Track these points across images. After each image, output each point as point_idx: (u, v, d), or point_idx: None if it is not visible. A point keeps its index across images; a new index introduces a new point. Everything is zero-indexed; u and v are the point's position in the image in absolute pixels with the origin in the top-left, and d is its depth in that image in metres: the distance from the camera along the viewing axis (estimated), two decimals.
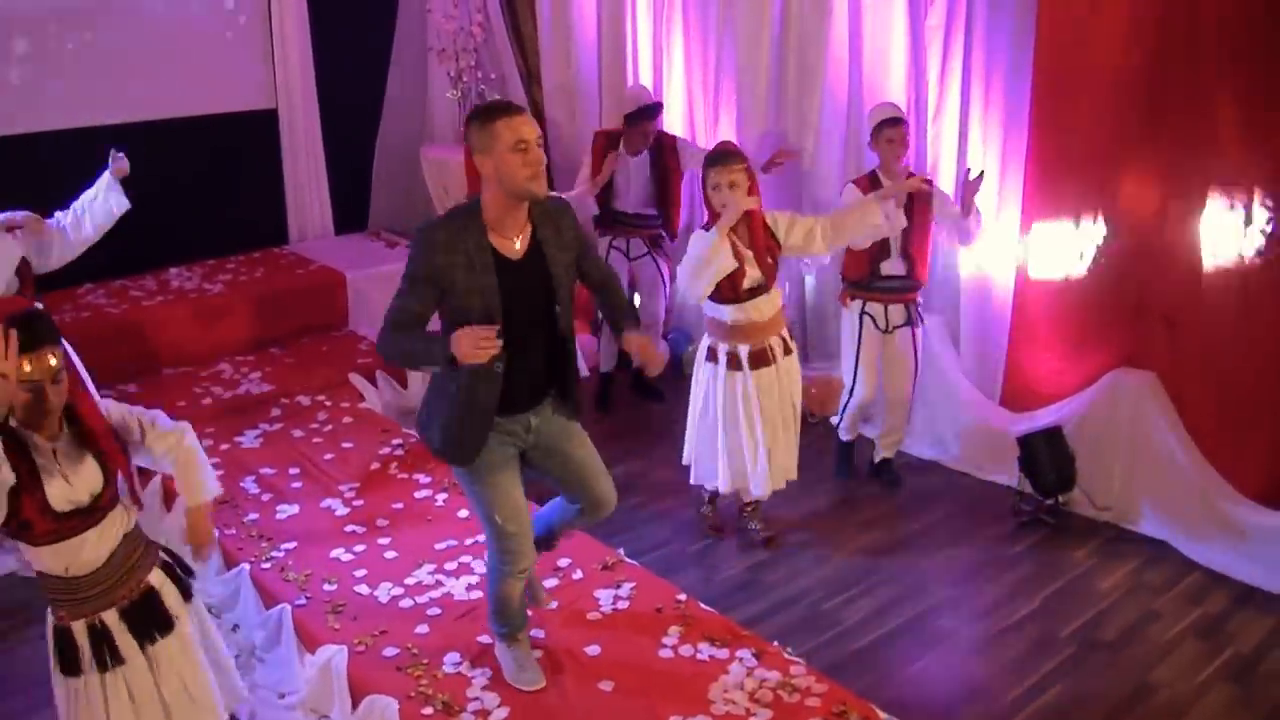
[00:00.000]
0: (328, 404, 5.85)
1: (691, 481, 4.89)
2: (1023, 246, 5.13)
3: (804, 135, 5.90)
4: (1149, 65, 4.52)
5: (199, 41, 6.73)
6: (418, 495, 4.90)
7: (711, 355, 4.64)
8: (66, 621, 2.92)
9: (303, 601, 4.14)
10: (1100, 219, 4.85)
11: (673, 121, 6.66)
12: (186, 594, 3.13)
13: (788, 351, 4.60)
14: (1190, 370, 4.71)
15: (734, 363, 4.57)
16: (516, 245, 3.25)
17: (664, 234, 6.14)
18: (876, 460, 5.50)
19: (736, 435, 4.63)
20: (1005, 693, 3.96)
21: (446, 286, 3.17)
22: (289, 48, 7.00)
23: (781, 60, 5.93)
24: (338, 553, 4.46)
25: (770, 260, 4.47)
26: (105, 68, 6.35)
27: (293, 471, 5.13)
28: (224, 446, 5.37)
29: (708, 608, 4.08)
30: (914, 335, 5.18)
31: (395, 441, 5.43)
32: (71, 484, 2.78)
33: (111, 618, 2.90)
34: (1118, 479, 4.96)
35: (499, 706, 3.56)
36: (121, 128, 6.36)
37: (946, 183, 5.33)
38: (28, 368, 2.66)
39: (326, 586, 4.23)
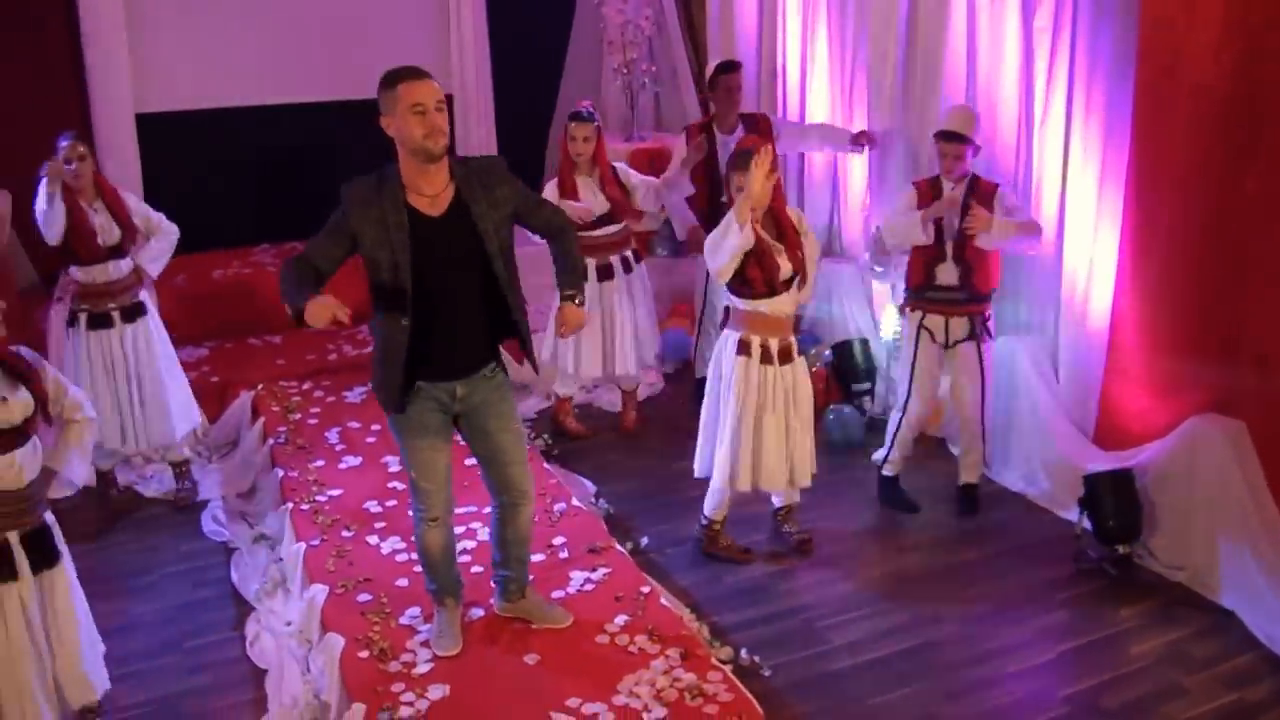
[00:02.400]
0: None
1: (710, 476, 4.70)
2: (1119, 269, 4.66)
3: (923, 135, 5.63)
4: (1243, 72, 3.99)
5: (378, 26, 7.28)
6: (468, 463, 5.11)
7: (744, 348, 4.48)
8: None
9: (317, 542, 4.51)
10: (1197, 242, 4.33)
11: (814, 116, 6.54)
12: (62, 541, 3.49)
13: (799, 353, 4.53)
14: None
15: (766, 356, 4.47)
16: (436, 205, 3.40)
17: None
18: (961, 484, 5.17)
19: (760, 428, 4.49)
20: None
21: (357, 239, 3.37)
22: (465, 34, 7.45)
23: (908, 59, 5.68)
24: (370, 504, 4.81)
25: (799, 254, 4.41)
26: (287, 49, 7.03)
27: (374, 428, 5.54)
28: (330, 399, 5.89)
29: (667, 604, 4.08)
30: (980, 351, 4.85)
31: None
32: (8, 405, 3.21)
33: (14, 538, 3.29)
34: (1197, 537, 4.41)
35: (426, 661, 3.76)
36: (302, 106, 7.06)
37: (1051, 197, 4.94)
38: None
39: (344, 533, 4.59)
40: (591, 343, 5.66)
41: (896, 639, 4.23)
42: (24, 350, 3.40)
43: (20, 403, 3.24)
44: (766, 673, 4.00)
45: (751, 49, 7.16)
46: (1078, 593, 4.49)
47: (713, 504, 4.72)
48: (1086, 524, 4.60)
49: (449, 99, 7.48)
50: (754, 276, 4.39)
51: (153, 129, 6.66)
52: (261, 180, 7.13)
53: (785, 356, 4.50)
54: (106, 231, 4.88)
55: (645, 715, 3.45)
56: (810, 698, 3.89)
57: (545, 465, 5.21)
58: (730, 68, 5.88)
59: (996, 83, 5.14)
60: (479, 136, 7.71)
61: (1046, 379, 5.12)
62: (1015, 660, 4.09)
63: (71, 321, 5.00)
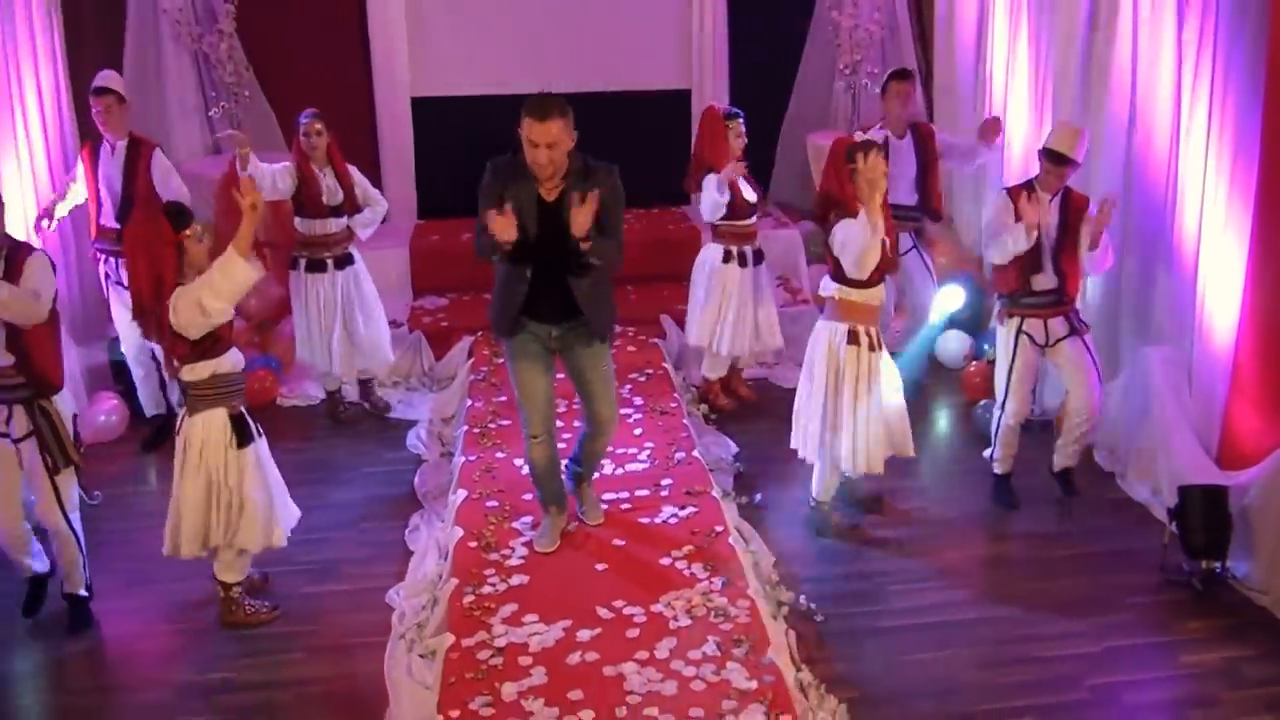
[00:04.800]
0: (630, 333, 7.00)
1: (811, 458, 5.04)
2: (1245, 285, 4.63)
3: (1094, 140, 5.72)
4: None
5: (627, 23, 8.07)
6: (622, 411, 5.85)
7: (854, 338, 4.82)
8: (238, 409, 4.34)
9: (474, 458, 5.41)
10: None
11: (1015, 121, 6.69)
12: None
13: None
14: None
15: (871, 343, 4.82)
16: (551, 191, 4.19)
17: (924, 225, 6.42)
18: (1055, 469, 5.28)
19: (869, 410, 4.83)
20: (972, 705, 3.95)
21: (503, 197, 4.17)
22: (706, 31, 8.11)
23: (1087, 67, 5.76)
24: None
25: (891, 249, 4.76)
26: (543, 43, 7.94)
27: (558, 377, 6.36)
28: None
29: (734, 544, 4.59)
30: (1085, 342, 5.02)
31: (649, 371, 6.44)
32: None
33: (222, 415, 4.28)
34: None
35: (520, 557, 4.55)
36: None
37: (1191, 211, 4.94)
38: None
39: (498, 454, 5.46)
40: (737, 321, 6.12)
41: (952, 611, 4.51)
42: None
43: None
44: (820, 619, 4.43)
45: (970, 53, 7.36)
46: (1154, 600, 4.55)
47: (819, 486, 5.09)
48: (1175, 530, 4.63)
49: (685, 94, 8.32)
50: (871, 265, 4.72)
51: (425, 110, 7.88)
52: None
53: (879, 343, 4.84)
54: (332, 193, 5.93)
55: (671, 623, 4.05)
56: (848, 644, 4.29)
57: (684, 420, 5.81)
58: (901, 75, 6.23)
59: (1152, 94, 5.17)
60: None
61: (1179, 393, 5.10)
62: (1058, 646, 4.26)
63: (293, 265, 6.12)
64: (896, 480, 5.40)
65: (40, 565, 4.55)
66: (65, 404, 4.42)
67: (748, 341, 6.18)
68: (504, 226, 4.04)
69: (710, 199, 6.01)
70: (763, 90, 8.38)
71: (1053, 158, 4.92)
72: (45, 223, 5.74)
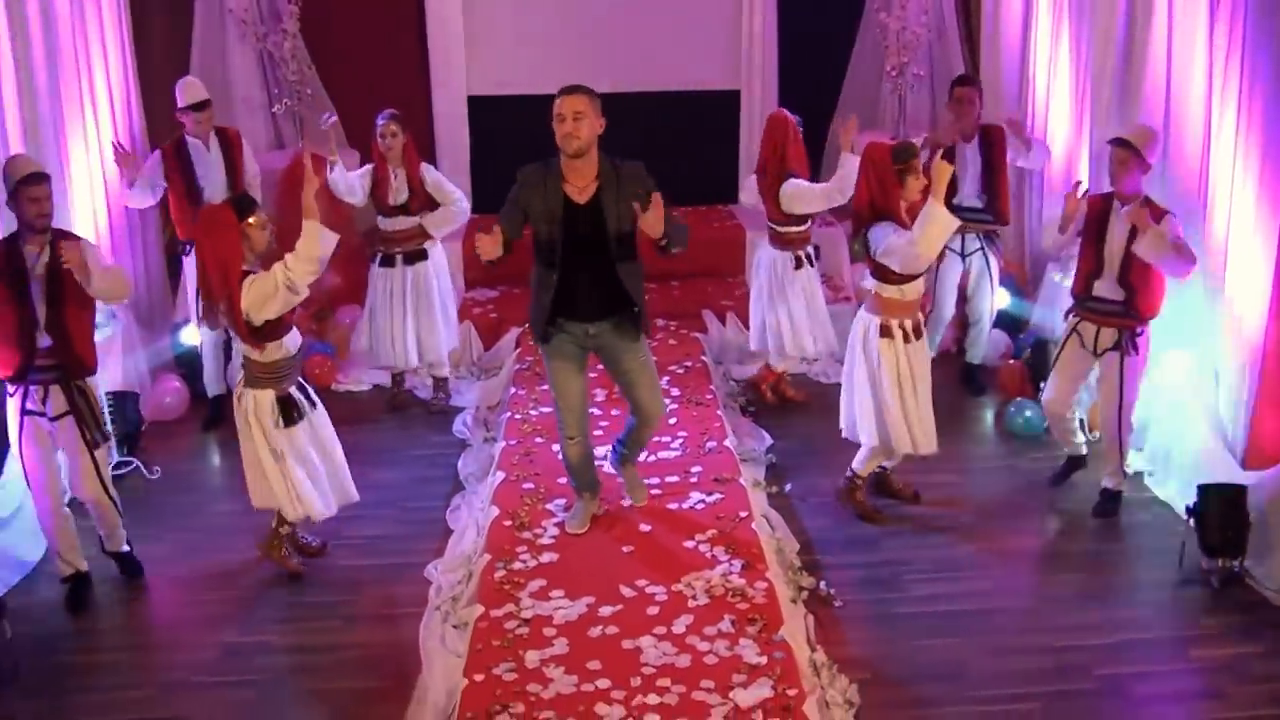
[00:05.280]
0: (672, 328, 7.19)
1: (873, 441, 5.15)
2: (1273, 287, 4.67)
3: None
4: None
5: (678, 24, 8.25)
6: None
7: (886, 331, 4.96)
8: (286, 390, 4.59)
9: (514, 442, 5.63)
10: None
11: (1057, 122, 6.75)
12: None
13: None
14: None
15: (905, 335, 4.96)
16: (583, 194, 4.34)
17: (997, 229, 6.42)
18: (1100, 487, 5.33)
19: (908, 399, 5.00)
20: (980, 690, 4.06)
21: (526, 210, 4.38)
22: (756, 32, 8.26)
23: (1126, 69, 5.80)
24: None
25: None
26: (597, 43, 8.14)
27: (599, 367, 6.55)
28: None
29: (756, 529, 4.74)
30: (1122, 363, 5.02)
31: (687, 363, 6.61)
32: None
33: (269, 397, 4.55)
34: None
35: (551, 536, 4.76)
36: (606, 96, 8.19)
37: (1221, 215, 4.98)
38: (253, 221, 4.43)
39: (538, 440, 5.67)
40: (812, 321, 6.23)
41: (969, 600, 4.62)
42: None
43: None
44: (838, 604, 4.57)
45: (1015, 54, 7.41)
46: (1169, 596, 4.63)
47: (862, 461, 5.25)
48: (1193, 527, 4.69)
49: (735, 94, 8.46)
50: (935, 255, 4.89)
51: (481, 109, 8.14)
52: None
53: (918, 332, 4.99)
54: (398, 192, 6.15)
55: (690, 601, 4.23)
56: (863, 628, 4.43)
57: (719, 412, 5.97)
58: (964, 80, 6.32)
59: (1185, 96, 5.22)
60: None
61: (1205, 396, 5.15)
62: (1070, 637, 4.36)
63: (371, 257, 6.40)
64: (925, 474, 5.53)
65: (83, 562, 4.70)
66: (96, 384, 4.68)
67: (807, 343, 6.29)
68: (488, 245, 4.24)
69: (848, 180, 5.66)
70: (811, 92, 8.48)
71: (1114, 141, 4.96)
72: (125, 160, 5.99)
